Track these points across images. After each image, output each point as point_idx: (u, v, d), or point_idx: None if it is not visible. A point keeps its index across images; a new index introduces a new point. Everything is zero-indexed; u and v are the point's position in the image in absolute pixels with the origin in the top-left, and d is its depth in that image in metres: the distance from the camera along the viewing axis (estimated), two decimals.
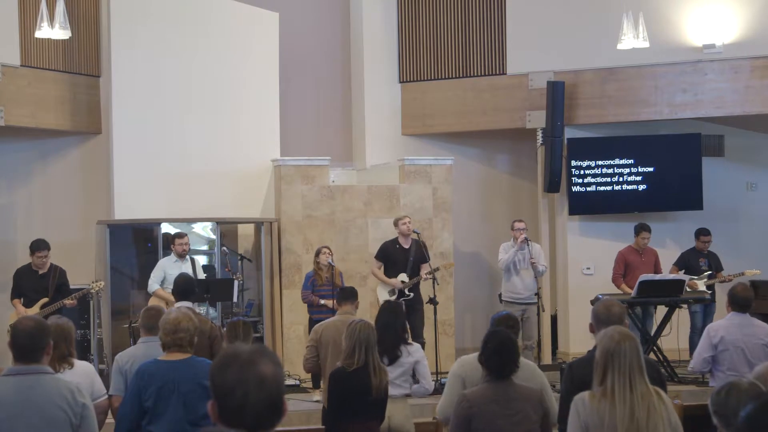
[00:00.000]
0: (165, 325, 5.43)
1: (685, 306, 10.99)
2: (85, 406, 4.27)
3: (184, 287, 7.52)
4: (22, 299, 10.01)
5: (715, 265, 11.44)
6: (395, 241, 10.85)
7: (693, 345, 11.27)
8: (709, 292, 11.14)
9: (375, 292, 10.99)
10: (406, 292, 10.65)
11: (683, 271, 11.20)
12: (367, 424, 6.05)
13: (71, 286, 10.20)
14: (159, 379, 5.29)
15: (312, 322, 10.21)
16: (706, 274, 11.19)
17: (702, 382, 9.56)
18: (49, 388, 4.22)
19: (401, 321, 7.16)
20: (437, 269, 10.73)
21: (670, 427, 4.32)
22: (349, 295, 7.68)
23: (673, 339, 11.10)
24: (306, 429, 6.25)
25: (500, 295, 11.11)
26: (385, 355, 6.64)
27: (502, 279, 11.10)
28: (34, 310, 9.65)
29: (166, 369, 5.33)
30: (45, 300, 9.91)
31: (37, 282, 10.00)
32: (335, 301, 7.89)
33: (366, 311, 10.47)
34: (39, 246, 10.03)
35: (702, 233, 11.50)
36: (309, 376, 9.93)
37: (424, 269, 10.67)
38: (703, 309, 11.23)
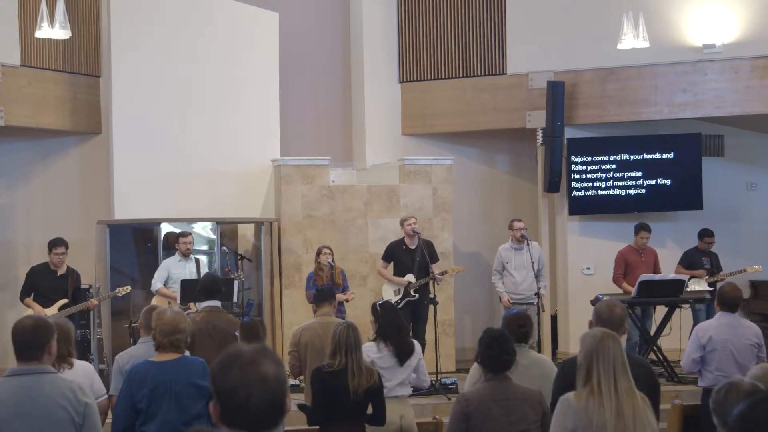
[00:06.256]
0: (162, 326, 5.35)
1: (686, 306, 10.98)
2: (88, 404, 4.24)
3: (212, 286, 7.33)
4: (33, 296, 9.85)
5: (716, 265, 11.48)
6: (401, 241, 10.77)
7: None
8: (710, 289, 11.14)
9: (375, 292, 10.97)
10: (412, 293, 10.58)
11: (689, 268, 11.25)
12: (344, 427, 6.01)
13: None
14: (151, 381, 5.25)
15: None
16: (703, 271, 11.23)
17: None
18: (50, 387, 4.19)
19: (402, 320, 7.23)
20: (445, 272, 10.64)
21: (652, 429, 4.35)
22: (326, 296, 7.65)
23: (673, 339, 11.09)
24: (306, 429, 6.25)
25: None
26: (398, 357, 6.67)
27: (497, 278, 11.06)
28: (53, 311, 9.58)
29: (157, 370, 5.29)
30: (65, 301, 9.83)
31: (56, 282, 9.88)
32: (312, 303, 7.87)
33: (367, 312, 10.43)
34: (57, 242, 9.92)
35: (706, 234, 11.52)
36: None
37: (436, 269, 10.60)
38: (707, 308, 11.23)
